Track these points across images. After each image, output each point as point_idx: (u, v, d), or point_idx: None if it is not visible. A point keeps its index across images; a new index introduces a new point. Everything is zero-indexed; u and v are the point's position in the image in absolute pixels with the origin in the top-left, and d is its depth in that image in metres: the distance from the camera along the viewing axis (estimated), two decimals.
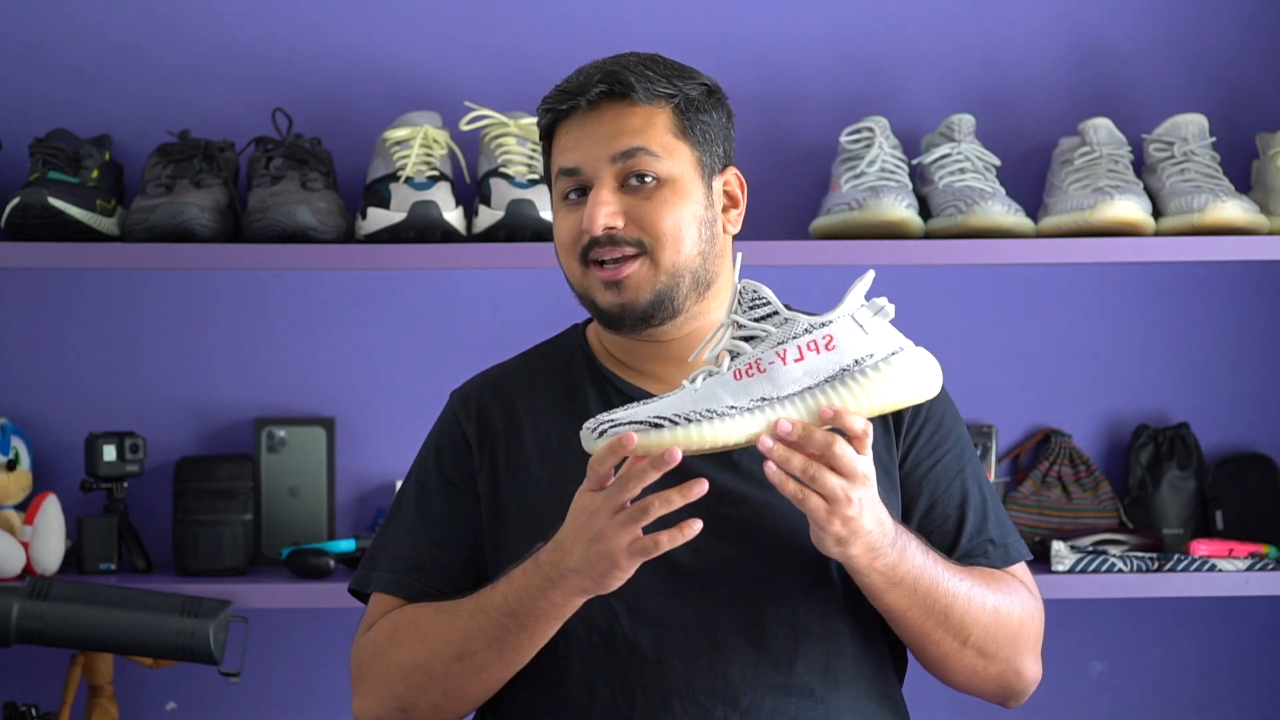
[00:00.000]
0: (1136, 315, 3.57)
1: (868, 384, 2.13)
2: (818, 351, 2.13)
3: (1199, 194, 3.29)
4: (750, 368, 2.13)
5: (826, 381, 2.12)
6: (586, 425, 2.12)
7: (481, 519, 2.34)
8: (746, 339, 2.15)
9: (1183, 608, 3.54)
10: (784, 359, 2.12)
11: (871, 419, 2.13)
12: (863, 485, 2.09)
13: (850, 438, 2.09)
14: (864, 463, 2.09)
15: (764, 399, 2.11)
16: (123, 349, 3.47)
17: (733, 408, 2.11)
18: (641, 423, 2.10)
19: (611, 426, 2.10)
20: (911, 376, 2.15)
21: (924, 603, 2.20)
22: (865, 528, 2.11)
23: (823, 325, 2.14)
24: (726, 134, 2.35)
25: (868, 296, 2.17)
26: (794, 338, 2.14)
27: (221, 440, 3.48)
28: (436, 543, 2.35)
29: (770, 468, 2.08)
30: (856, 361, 2.13)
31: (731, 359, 2.14)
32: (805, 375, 2.12)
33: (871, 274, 2.19)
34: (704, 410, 2.10)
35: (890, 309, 2.16)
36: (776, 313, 2.15)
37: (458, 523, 2.35)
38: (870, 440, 2.10)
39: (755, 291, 2.16)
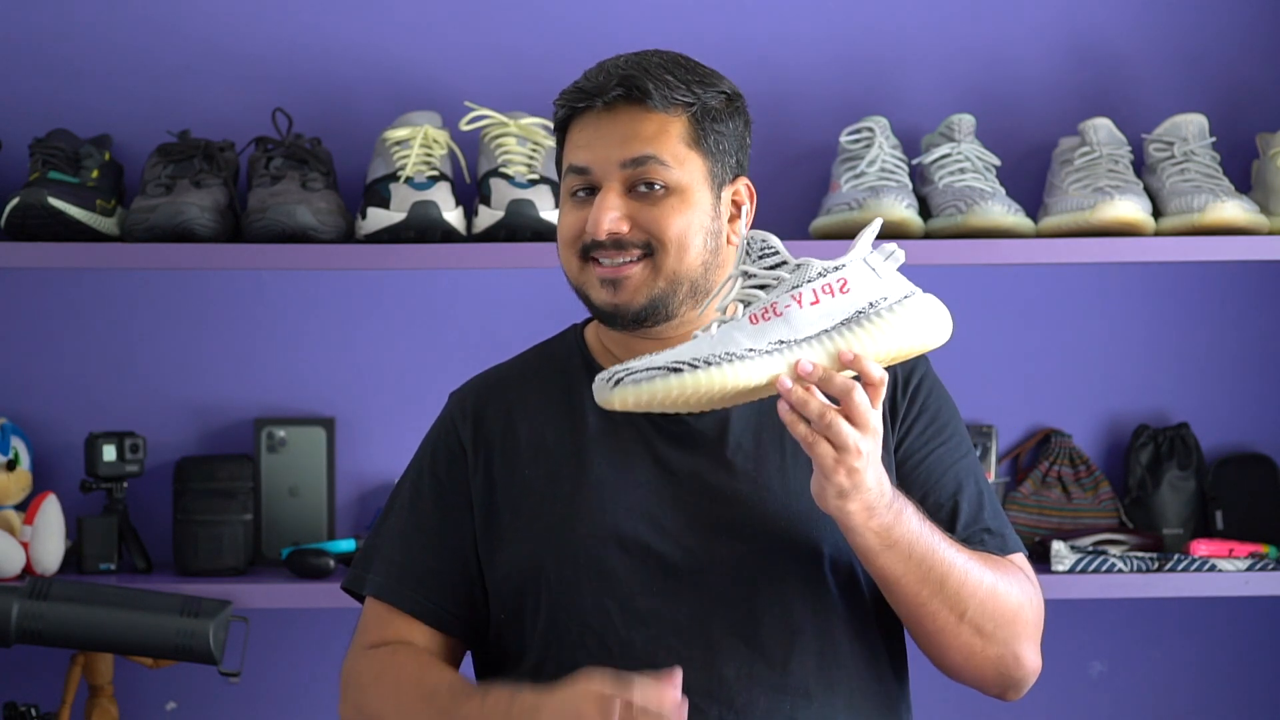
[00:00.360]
0: (1136, 315, 3.57)
1: (883, 325, 2.13)
2: (833, 295, 2.13)
3: (1199, 194, 3.30)
4: (766, 311, 2.13)
5: (842, 324, 2.13)
6: (600, 376, 2.12)
7: (474, 525, 2.34)
8: (759, 288, 2.15)
9: (1183, 608, 3.54)
10: (800, 302, 2.13)
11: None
12: (872, 438, 2.09)
13: (866, 385, 2.09)
14: (876, 416, 2.09)
15: (782, 341, 2.11)
16: (123, 349, 3.47)
17: (751, 350, 2.11)
18: (659, 368, 2.10)
19: (627, 375, 2.10)
20: (924, 320, 2.15)
21: (919, 569, 2.18)
22: (867, 483, 2.11)
23: (836, 269, 2.14)
24: (742, 143, 2.35)
25: (877, 245, 2.18)
26: (808, 281, 2.13)
27: (221, 440, 3.47)
28: (427, 549, 2.36)
29: (783, 408, 2.09)
30: (871, 304, 2.14)
31: (744, 307, 2.14)
32: (821, 318, 2.12)
33: (880, 220, 2.21)
34: (723, 353, 2.10)
35: (900, 254, 2.17)
36: (786, 261, 2.15)
37: (448, 528, 2.36)
38: (884, 393, 2.11)
39: (764, 241, 2.16)
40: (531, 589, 2.30)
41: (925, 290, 2.19)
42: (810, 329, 2.12)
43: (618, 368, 2.11)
